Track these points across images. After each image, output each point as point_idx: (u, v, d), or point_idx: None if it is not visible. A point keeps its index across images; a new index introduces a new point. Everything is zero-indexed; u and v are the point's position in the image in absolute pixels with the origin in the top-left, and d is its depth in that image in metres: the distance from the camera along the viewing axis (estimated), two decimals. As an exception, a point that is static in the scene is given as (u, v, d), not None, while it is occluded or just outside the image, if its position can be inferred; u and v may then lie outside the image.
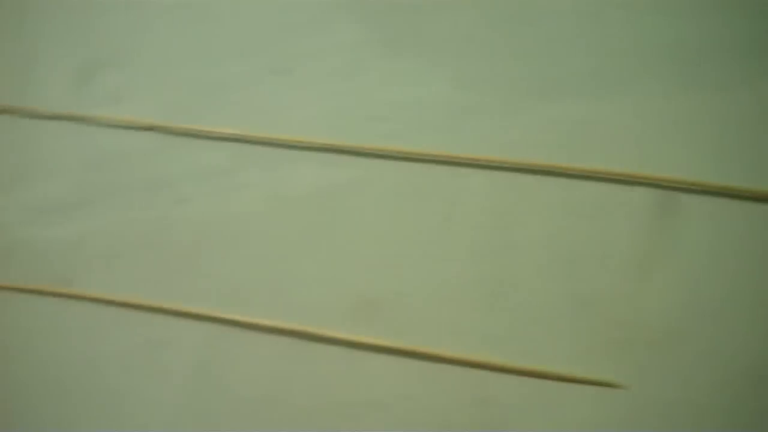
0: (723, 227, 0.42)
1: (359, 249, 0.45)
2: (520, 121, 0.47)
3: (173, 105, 0.48)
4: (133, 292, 0.45)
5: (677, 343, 0.40)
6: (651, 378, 0.40)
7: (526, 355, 0.42)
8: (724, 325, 0.40)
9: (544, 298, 0.43)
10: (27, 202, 0.47)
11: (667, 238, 0.43)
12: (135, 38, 0.50)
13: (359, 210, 0.46)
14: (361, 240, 0.46)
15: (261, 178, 0.47)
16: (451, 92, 0.48)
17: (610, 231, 0.44)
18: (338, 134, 0.48)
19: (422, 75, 0.49)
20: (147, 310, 0.45)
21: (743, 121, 0.44)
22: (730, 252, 0.41)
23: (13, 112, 0.48)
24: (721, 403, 0.38)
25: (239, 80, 0.49)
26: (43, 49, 0.49)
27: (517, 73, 0.48)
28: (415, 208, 0.46)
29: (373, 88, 0.49)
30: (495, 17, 0.49)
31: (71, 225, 0.47)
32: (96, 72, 0.49)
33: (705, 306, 0.40)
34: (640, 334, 0.41)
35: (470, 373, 0.42)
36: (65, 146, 0.48)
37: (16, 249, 0.46)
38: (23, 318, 0.45)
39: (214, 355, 0.44)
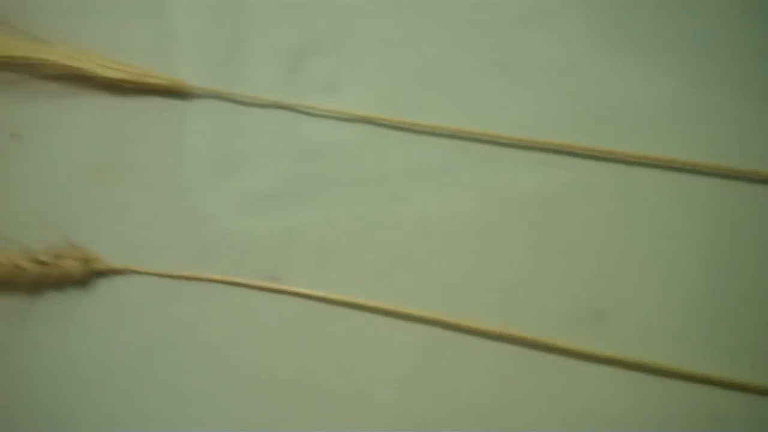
0: None
1: (583, 255, 0.43)
2: (752, 127, 0.45)
3: (388, 96, 0.47)
4: (346, 290, 0.44)
5: None
6: None
7: (758, 371, 0.40)
8: None
9: (776, 313, 0.41)
10: (236, 193, 0.45)
11: None
12: (350, 24, 0.48)
13: (582, 214, 0.44)
14: (585, 246, 0.44)
15: (480, 177, 0.45)
16: (678, 94, 0.46)
17: None
18: (558, 134, 0.45)
19: (648, 74, 0.47)
20: (363, 310, 0.43)
21: None
22: None
23: (223, 97, 0.47)
24: None
25: (458, 72, 0.47)
26: (255, 33, 0.48)
27: (755, 76, 0.46)
28: (640, 214, 0.44)
29: (596, 86, 0.47)
30: (731, 16, 0.47)
31: (281, 218, 0.45)
32: (309, 59, 0.47)
33: None
34: None
35: (699, 388, 0.40)
36: (276, 135, 0.46)
37: (224, 240, 0.44)
38: (231, 312, 0.44)
39: (434, 359, 0.42)
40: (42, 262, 0.44)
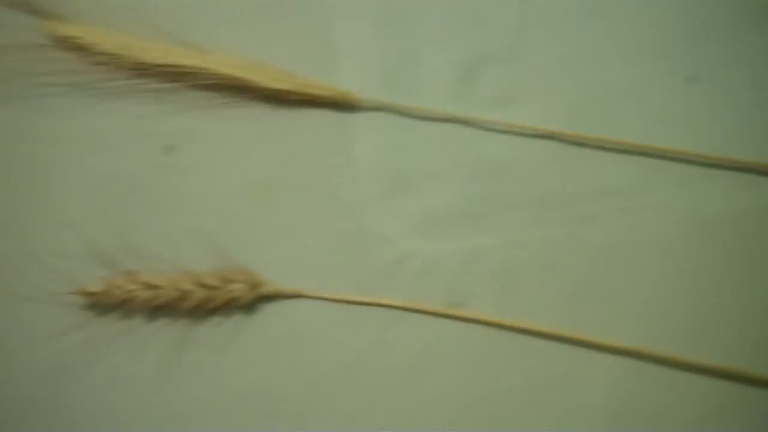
0: None
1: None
2: None
3: (572, 110, 0.44)
4: (533, 317, 0.41)
5: None
6: None
7: None
8: None
9: None
10: (411, 213, 0.43)
11: None
12: (529, 35, 0.45)
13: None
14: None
15: (675, 198, 0.43)
16: None
17: None
18: (756, 153, 0.43)
19: None
20: (552, 339, 0.41)
21: None
22: None
23: (393, 110, 0.44)
24: None
25: (645, 86, 0.44)
26: (426, 43, 0.44)
27: None
28: None
29: (793, 101, 0.44)
30: None
31: (461, 240, 0.42)
32: (484, 69, 0.44)
33: None
34: None
35: None
36: (451, 151, 0.43)
37: (399, 264, 0.42)
38: (409, 340, 0.41)
39: (631, 392, 0.40)
40: (208, 286, 0.41)
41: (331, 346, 0.41)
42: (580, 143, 0.43)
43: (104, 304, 0.41)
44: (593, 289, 0.41)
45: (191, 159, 0.43)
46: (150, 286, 0.41)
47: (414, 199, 0.43)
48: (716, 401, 0.40)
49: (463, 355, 0.41)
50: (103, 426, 0.40)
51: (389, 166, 0.43)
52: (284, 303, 0.42)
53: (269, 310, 0.42)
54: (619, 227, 0.42)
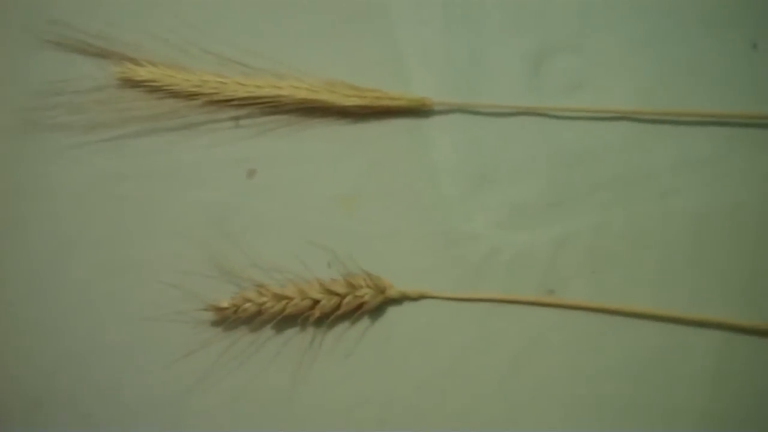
0: None
1: None
2: None
3: (642, 89, 0.44)
4: (627, 296, 0.43)
5: None
6: None
7: None
8: None
9: None
10: (497, 207, 0.44)
11: None
12: (590, 18, 0.45)
13: None
14: None
15: (753, 161, 0.43)
16: None
17: None
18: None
19: None
20: (648, 318, 0.42)
21: None
22: None
23: (466, 110, 0.45)
24: None
25: (712, 56, 0.44)
26: (491, 40, 0.45)
27: None
28: None
29: None
30: None
31: (547, 228, 0.44)
32: (550, 59, 0.45)
33: None
34: None
35: None
36: (527, 142, 0.45)
37: (491, 258, 0.44)
38: (513, 331, 0.43)
39: (731, 359, 0.41)
40: (337, 294, 0.43)
41: (447, 344, 0.43)
42: (653, 120, 0.44)
43: (234, 319, 0.43)
44: (684, 261, 0.43)
45: (275, 180, 0.45)
46: (280, 297, 0.43)
47: (497, 193, 0.44)
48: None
49: (563, 340, 0.43)
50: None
51: (470, 164, 0.44)
52: (409, 305, 0.44)
53: (394, 313, 0.44)
54: (702, 197, 0.43)
